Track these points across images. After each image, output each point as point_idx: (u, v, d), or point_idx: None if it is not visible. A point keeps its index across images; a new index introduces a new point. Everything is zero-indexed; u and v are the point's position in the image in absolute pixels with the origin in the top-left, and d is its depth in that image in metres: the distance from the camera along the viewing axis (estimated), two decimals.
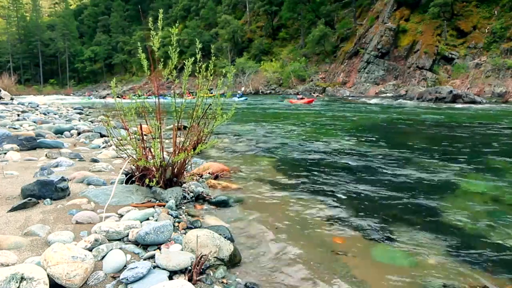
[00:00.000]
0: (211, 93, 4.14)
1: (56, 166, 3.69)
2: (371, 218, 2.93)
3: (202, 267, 1.81)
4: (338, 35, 39.23)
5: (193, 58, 2.86)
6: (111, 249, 1.85)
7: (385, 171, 4.53)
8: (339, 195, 3.52)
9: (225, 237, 2.18)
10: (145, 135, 3.17)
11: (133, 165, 3.07)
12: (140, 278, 1.62)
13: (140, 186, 2.97)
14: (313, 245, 2.43)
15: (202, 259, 1.80)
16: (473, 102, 18.63)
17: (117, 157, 4.37)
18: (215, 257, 1.94)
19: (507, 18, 27.01)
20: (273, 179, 4.15)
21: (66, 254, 1.60)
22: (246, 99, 26.76)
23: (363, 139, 7.30)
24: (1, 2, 72.62)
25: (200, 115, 3.18)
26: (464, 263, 2.23)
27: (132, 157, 3.04)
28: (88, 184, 3.09)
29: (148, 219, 2.37)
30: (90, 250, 1.83)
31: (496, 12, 28.47)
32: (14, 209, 2.38)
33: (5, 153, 4.26)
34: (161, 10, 2.81)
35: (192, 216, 2.74)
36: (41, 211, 2.40)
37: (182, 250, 1.98)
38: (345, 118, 12.05)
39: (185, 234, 2.22)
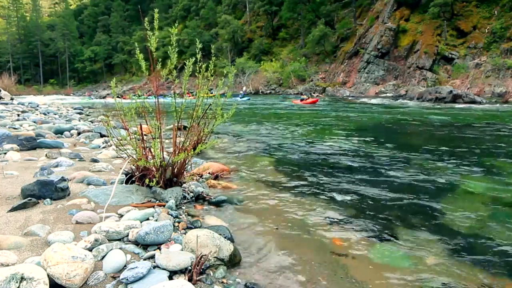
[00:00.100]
0: (211, 93, 4.15)
1: (56, 166, 3.69)
2: (371, 219, 2.93)
3: (202, 267, 1.81)
4: (338, 35, 39.23)
5: (193, 58, 2.86)
6: (111, 249, 1.85)
7: (385, 171, 4.53)
8: (339, 196, 3.52)
9: (225, 237, 2.18)
10: (145, 135, 3.17)
11: (133, 165, 3.07)
12: (140, 278, 1.62)
13: (140, 186, 2.97)
14: (313, 245, 2.43)
15: (202, 259, 1.80)
16: (473, 102, 18.62)
17: (117, 157, 4.37)
18: (215, 257, 1.94)
19: (507, 18, 27.00)
20: (273, 179, 4.15)
21: (66, 254, 1.60)
22: (249, 99, 26.51)
23: (363, 140, 7.30)
24: (1, 2, 72.62)
25: (200, 115, 3.18)
26: (464, 263, 2.23)
27: (132, 157, 3.04)
28: (88, 184, 3.09)
29: (148, 219, 2.38)
30: (90, 250, 1.83)
31: (496, 12, 28.46)
32: (14, 209, 2.38)
33: (5, 153, 4.26)
34: (156, 10, 2.80)
35: (192, 216, 2.74)
36: (41, 211, 2.40)
37: (182, 250, 1.98)
38: (345, 118, 12.05)
39: (185, 234, 2.22)
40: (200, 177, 3.87)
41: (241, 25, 50.65)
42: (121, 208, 2.54)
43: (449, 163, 4.97)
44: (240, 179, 4.08)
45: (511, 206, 3.25)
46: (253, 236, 2.52)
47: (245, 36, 50.12)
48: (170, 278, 1.72)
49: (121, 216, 2.41)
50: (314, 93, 27.50)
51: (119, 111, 3.11)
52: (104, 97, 33.62)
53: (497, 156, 5.51)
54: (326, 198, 3.45)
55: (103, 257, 1.80)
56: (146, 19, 2.83)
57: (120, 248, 1.90)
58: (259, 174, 4.38)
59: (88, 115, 12.66)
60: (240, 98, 26.28)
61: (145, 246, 2.01)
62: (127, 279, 1.60)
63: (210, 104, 3.19)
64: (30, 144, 4.80)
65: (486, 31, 27.96)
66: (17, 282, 1.43)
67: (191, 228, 2.38)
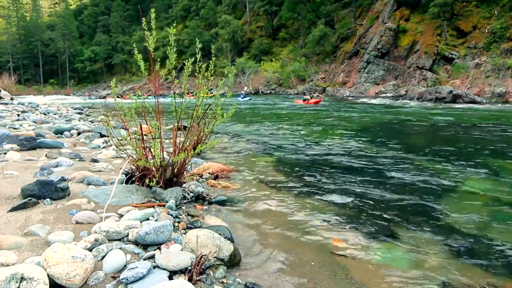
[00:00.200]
0: (211, 93, 4.15)
1: (56, 166, 3.69)
2: (371, 219, 2.93)
3: (202, 267, 1.81)
4: (338, 35, 39.22)
5: (193, 58, 2.86)
6: (111, 249, 1.85)
7: (385, 171, 4.53)
8: (339, 196, 3.52)
9: (225, 237, 2.18)
10: (145, 135, 3.17)
11: (133, 165, 3.07)
12: (140, 278, 1.62)
13: (140, 186, 2.97)
14: (313, 245, 2.43)
15: (202, 259, 1.80)
16: (473, 102, 18.61)
17: (117, 157, 4.37)
18: (215, 257, 1.94)
19: (507, 18, 26.99)
20: (273, 179, 4.15)
21: (66, 254, 1.60)
22: (250, 99, 26.27)
23: (363, 140, 7.30)
24: (1, 2, 72.62)
25: (200, 115, 3.18)
26: (465, 264, 2.24)
27: (132, 157, 3.04)
28: (88, 184, 3.09)
29: (148, 219, 2.37)
30: (90, 250, 1.83)
31: (496, 12, 28.45)
32: (14, 209, 2.38)
33: (5, 153, 4.26)
34: (153, 10, 2.80)
35: (192, 216, 2.73)
36: (41, 211, 2.40)
37: (182, 250, 1.98)
38: (346, 118, 12.05)
39: (185, 234, 2.22)
40: (200, 177, 3.87)
41: (241, 25, 50.65)
42: (121, 208, 2.54)
43: (449, 163, 4.97)
44: (240, 179, 4.08)
45: (511, 206, 3.25)
46: (253, 236, 2.52)
47: (245, 36, 50.12)
48: (170, 278, 1.72)
49: (121, 216, 2.41)
50: (314, 93, 27.40)
51: (119, 111, 3.11)
52: (104, 97, 33.64)
53: (497, 156, 5.51)
54: (326, 198, 3.45)
55: (103, 257, 1.80)
56: (144, 19, 2.83)
57: (120, 248, 1.90)
58: (259, 174, 4.38)
59: (88, 115, 12.67)
60: (242, 98, 26.01)
61: (145, 246, 2.01)
62: (127, 279, 1.60)
63: (210, 104, 3.19)
64: (30, 144, 4.80)
65: (486, 31, 27.95)
66: (17, 282, 1.43)
67: (191, 228, 2.38)
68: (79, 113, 12.76)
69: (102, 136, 6.26)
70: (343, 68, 35.22)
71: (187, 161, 3.14)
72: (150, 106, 3.12)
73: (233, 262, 2.02)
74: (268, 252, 2.29)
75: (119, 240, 2.05)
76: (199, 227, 2.47)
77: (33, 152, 4.58)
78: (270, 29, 48.87)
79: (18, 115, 9.53)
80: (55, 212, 2.40)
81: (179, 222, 2.46)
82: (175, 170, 3.02)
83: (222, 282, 1.82)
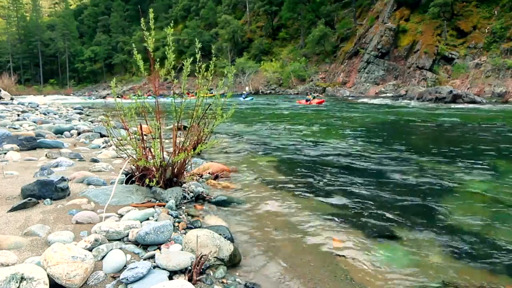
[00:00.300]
0: (211, 93, 4.15)
1: (56, 166, 3.69)
2: (372, 219, 2.93)
3: (202, 267, 1.81)
4: (338, 35, 39.21)
5: (191, 59, 2.86)
6: (111, 249, 1.85)
7: (386, 172, 4.53)
8: (339, 196, 3.52)
9: (225, 237, 2.18)
10: (145, 135, 3.17)
11: (133, 165, 3.07)
12: (140, 278, 1.62)
13: (140, 186, 2.97)
14: (313, 245, 2.43)
15: (202, 259, 1.80)
16: (473, 102, 18.61)
17: (117, 157, 4.37)
18: (215, 257, 1.94)
19: (507, 18, 26.99)
20: (273, 179, 4.15)
21: (66, 254, 1.60)
22: (252, 99, 25.93)
23: (363, 140, 7.30)
24: (1, 2, 72.61)
25: (200, 115, 3.18)
26: (465, 263, 2.24)
27: (132, 157, 3.04)
28: (88, 184, 3.09)
29: (148, 219, 2.38)
30: (90, 250, 1.83)
31: (496, 12, 28.44)
32: (14, 209, 2.38)
33: (5, 153, 4.26)
34: (151, 10, 2.80)
35: (192, 216, 2.74)
36: (41, 211, 2.40)
37: (182, 250, 1.98)
38: (347, 119, 12.05)
39: (185, 234, 2.22)
40: (200, 177, 3.87)
41: (241, 25, 50.63)
42: (121, 208, 2.54)
43: (449, 163, 4.97)
44: (240, 179, 4.08)
45: (511, 205, 3.25)
46: (253, 236, 2.52)
47: (245, 36, 50.11)
48: (170, 278, 1.72)
49: (121, 216, 2.41)
50: (314, 93, 27.35)
51: (119, 111, 3.12)
52: (104, 97, 33.64)
53: (497, 156, 5.51)
54: (326, 198, 3.45)
55: (103, 257, 1.80)
56: (142, 19, 2.83)
57: (120, 248, 1.90)
58: (259, 174, 4.38)
59: (88, 115, 12.67)
60: (243, 98, 25.64)
61: (145, 246, 2.01)
62: (127, 279, 1.60)
63: (210, 104, 3.19)
64: (30, 144, 4.80)
65: (486, 31, 27.95)
66: (17, 282, 1.43)
67: (191, 228, 2.38)
68: (79, 113, 12.76)
69: (102, 136, 6.26)
70: (343, 68, 35.22)
71: (187, 161, 3.14)
72: (150, 106, 3.12)
73: (233, 262, 2.02)
74: (268, 252, 2.29)
75: (119, 240, 2.05)
76: (199, 227, 2.47)
77: (33, 152, 4.58)
78: (270, 29, 48.86)
79: (18, 115, 9.53)
80: (55, 212, 2.40)
81: (179, 222, 2.46)
82: (175, 170, 3.02)
83: (222, 282, 1.82)
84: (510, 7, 27.57)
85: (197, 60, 2.92)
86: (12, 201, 2.55)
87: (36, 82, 67.75)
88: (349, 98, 27.40)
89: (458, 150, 6.04)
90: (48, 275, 1.52)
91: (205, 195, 3.22)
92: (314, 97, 20.94)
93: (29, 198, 2.49)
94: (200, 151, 3.18)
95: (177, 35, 50.18)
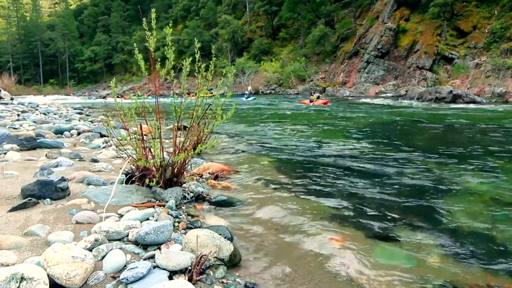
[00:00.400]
0: (211, 93, 4.15)
1: (56, 166, 3.69)
2: (372, 219, 2.93)
3: (202, 267, 1.82)
4: (338, 35, 39.20)
5: (191, 59, 2.86)
6: (111, 249, 1.85)
7: (385, 171, 4.53)
8: (340, 196, 3.52)
9: (225, 237, 2.18)
10: (145, 135, 3.17)
11: (133, 165, 3.07)
12: (140, 278, 1.62)
13: (140, 186, 2.97)
14: (313, 245, 2.43)
15: (202, 259, 1.80)
16: (473, 102, 18.61)
17: (117, 157, 4.37)
18: (215, 257, 1.94)
19: (507, 18, 26.98)
20: (273, 179, 4.15)
21: (66, 254, 1.60)
22: (254, 99, 25.47)
23: (363, 140, 7.30)
24: (1, 2, 72.61)
25: (200, 115, 3.18)
26: (464, 263, 2.24)
27: (132, 157, 3.04)
28: (88, 184, 3.09)
29: (148, 219, 2.38)
30: (90, 250, 1.83)
31: (496, 12, 28.43)
32: (14, 209, 2.38)
33: (5, 153, 4.26)
34: (153, 10, 2.80)
35: (192, 216, 2.74)
36: (41, 211, 2.40)
37: (182, 250, 1.98)
38: (347, 119, 12.04)
39: (185, 234, 2.22)
40: (200, 177, 3.87)
41: (241, 25, 50.61)
42: (121, 208, 2.54)
43: (449, 162, 4.97)
44: (240, 179, 4.08)
45: (511, 205, 3.25)
46: (253, 236, 2.52)
47: (245, 36, 50.09)
48: (170, 278, 1.72)
49: (121, 216, 2.41)
50: (314, 93, 27.29)
51: (119, 111, 3.12)
52: (104, 97, 33.65)
53: (497, 156, 5.51)
54: (326, 198, 3.45)
55: (103, 257, 1.80)
56: (144, 19, 2.83)
57: (120, 248, 1.90)
58: (259, 174, 4.38)
59: (88, 115, 12.67)
60: (245, 98, 25.17)
61: (145, 246, 2.01)
62: (127, 279, 1.60)
63: (210, 104, 3.19)
64: (30, 144, 4.80)
65: (486, 31, 27.94)
66: (17, 282, 1.43)
67: (191, 228, 2.38)
68: (79, 113, 12.76)
69: (102, 136, 6.26)
70: (343, 68, 35.21)
71: (187, 161, 3.14)
72: (150, 106, 3.12)
73: (233, 262, 2.02)
74: (268, 252, 2.29)
75: (119, 240, 2.05)
76: (199, 227, 2.47)
77: (33, 152, 4.58)
78: (270, 29, 48.84)
79: (18, 115, 9.53)
80: (55, 212, 2.40)
81: (179, 222, 2.47)
82: (175, 170, 3.02)
83: (222, 282, 1.82)
84: (510, 7, 27.56)
85: (197, 60, 2.92)
86: (12, 201, 2.55)
87: (36, 82, 67.73)
88: (349, 98, 27.39)
89: (458, 150, 6.04)
90: (48, 275, 1.52)
91: (205, 195, 3.22)
92: (318, 97, 20.43)
93: (29, 198, 2.49)
94: (200, 151, 3.18)
95: (177, 35, 50.18)
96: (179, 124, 3.08)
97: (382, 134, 8.60)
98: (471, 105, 17.53)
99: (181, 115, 3.04)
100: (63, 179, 2.75)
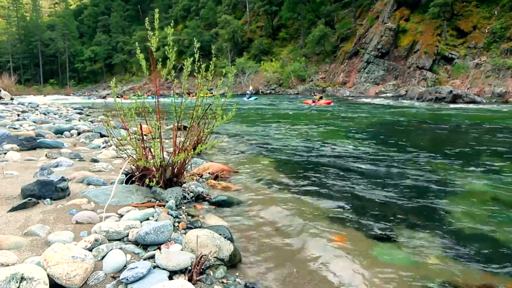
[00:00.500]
0: (211, 93, 4.15)
1: (56, 166, 3.69)
2: (372, 218, 2.93)
3: (202, 267, 1.81)
4: (338, 35, 39.20)
5: (192, 59, 2.86)
6: (111, 249, 1.85)
7: (385, 171, 4.53)
8: (339, 195, 3.52)
9: (225, 237, 2.18)
10: (145, 135, 3.17)
11: (133, 165, 3.07)
12: (140, 278, 1.62)
13: (140, 186, 2.97)
14: (313, 245, 2.43)
15: (202, 259, 1.80)
16: (473, 102, 18.61)
17: (117, 157, 4.37)
18: (215, 257, 1.94)
19: (507, 18, 26.98)
20: (273, 179, 4.15)
21: (66, 254, 1.60)
22: (256, 99, 25.09)
23: (363, 140, 7.30)
24: (1, 2, 72.60)
25: (200, 115, 3.18)
26: (464, 263, 2.23)
27: (132, 157, 3.04)
28: (88, 184, 3.09)
29: (148, 219, 2.38)
30: (90, 250, 1.83)
31: (496, 12, 28.43)
32: (14, 209, 2.38)
33: (5, 153, 4.26)
34: (157, 10, 2.81)
35: (192, 216, 2.74)
36: (41, 211, 2.40)
37: (182, 250, 1.98)
38: (350, 119, 12.04)
39: (185, 234, 2.22)
40: (200, 177, 3.87)
41: (241, 25, 50.60)
42: (121, 208, 2.54)
43: (449, 162, 4.97)
44: (240, 180, 4.08)
45: (511, 206, 3.25)
46: (253, 236, 2.52)
47: (245, 36, 50.09)
48: (170, 278, 1.72)
49: (121, 216, 2.41)
50: (314, 93, 27.25)
51: (119, 111, 3.12)
52: (104, 97, 33.66)
53: (497, 156, 5.50)
54: (326, 198, 3.45)
55: (103, 257, 1.80)
56: (147, 19, 2.83)
57: (120, 248, 1.90)
58: (259, 174, 4.38)
59: (88, 115, 12.67)
60: (247, 98, 24.79)
61: (145, 246, 2.01)
62: (127, 279, 1.60)
63: (210, 104, 3.19)
64: (30, 144, 4.80)
65: (486, 31, 27.94)
66: (17, 282, 1.43)
67: (191, 228, 2.38)
68: (79, 113, 12.76)
69: (102, 136, 6.26)
70: (343, 68, 35.22)
71: (187, 161, 3.14)
72: (150, 106, 3.12)
73: (233, 262, 2.02)
74: (268, 252, 2.29)
75: (119, 240, 2.05)
76: (199, 227, 2.47)
77: (33, 152, 4.58)
78: (270, 29, 48.84)
79: (18, 115, 9.53)
80: (55, 212, 2.40)
81: (179, 222, 2.46)
82: (175, 170, 3.02)
83: (222, 282, 1.82)
84: (510, 7, 27.55)
85: (196, 60, 2.92)
86: (12, 201, 2.55)
87: (36, 82, 67.73)
88: (349, 98, 27.39)
89: (458, 150, 6.04)
90: (48, 275, 1.52)
91: (205, 195, 3.22)
92: (321, 98, 20.17)
93: (29, 198, 2.49)
94: (200, 151, 3.18)
95: (177, 35, 50.14)
96: (179, 124, 3.08)
97: (383, 134, 8.60)
98: (471, 105, 17.53)
99: (181, 115, 3.04)
100: (63, 179, 2.75)
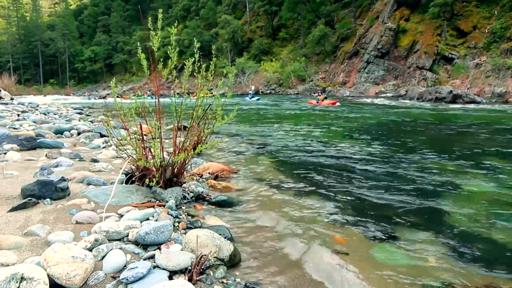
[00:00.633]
0: (211, 93, 4.15)
1: (56, 166, 3.69)
2: (372, 219, 2.93)
3: (202, 267, 1.81)
4: (338, 35, 39.20)
5: (193, 59, 2.86)
6: (111, 249, 1.85)
7: (385, 172, 4.53)
8: (339, 196, 3.52)
9: (225, 237, 2.18)
10: (145, 135, 3.17)
11: (133, 165, 3.07)
12: (140, 278, 1.62)
13: (140, 186, 2.97)
14: (313, 245, 2.43)
15: (202, 259, 1.80)
16: (473, 102, 18.62)
17: (117, 157, 4.37)
18: (215, 257, 1.94)
19: (507, 18, 26.98)
20: (273, 179, 4.15)
21: (66, 254, 1.60)
22: (259, 99, 24.16)
23: (363, 140, 7.30)
24: (1, 2, 72.60)
25: (200, 115, 3.18)
26: (464, 263, 2.23)
27: (132, 157, 3.04)
28: (88, 184, 3.09)
29: (148, 219, 2.37)
30: (90, 250, 1.83)
31: (496, 12, 28.44)
32: (14, 209, 2.38)
33: (5, 153, 4.26)
34: (160, 10, 2.81)
35: (192, 216, 2.73)
36: (41, 211, 2.40)
37: (182, 250, 1.98)
38: (351, 119, 12.04)
39: (185, 234, 2.22)
40: (200, 177, 3.87)
41: (241, 25, 50.61)
42: (121, 208, 2.54)
43: (449, 163, 4.97)
44: (240, 179, 4.08)
45: (511, 205, 3.25)
46: (253, 236, 2.52)
47: (245, 36, 50.09)
48: (170, 278, 1.72)
49: (121, 216, 2.41)
50: (314, 93, 27.24)
51: (119, 111, 3.11)
52: (104, 97, 33.67)
53: (497, 156, 5.50)
54: (327, 198, 3.45)
55: (103, 257, 1.80)
56: (149, 18, 2.83)
57: (120, 248, 1.90)
58: (259, 174, 4.38)
59: (88, 115, 12.67)
60: (250, 98, 23.96)
61: (145, 246, 2.01)
62: (127, 279, 1.60)
63: (210, 104, 3.19)
64: (30, 144, 4.80)
65: (486, 31, 27.94)
66: (17, 282, 1.43)
67: (191, 228, 2.38)
68: (79, 113, 12.76)
69: (102, 136, 6.26)
70: (343, 68, 35.22)
71: (187, 161, 3.14)
72: (150, 106, 3.12)
73: (233, 262, 2.02)
74: (268, 252, 2.29)
75: (119, 240, 2.05)
76: (199, 227, 2.47)
77: (33, 152, 4.58)
78: (270, 29, 48.84)
79: (18, 115, 9.53)
80: (55, 212, 2.40)
81: (179, 222, 2.46)
82: (175, 170, 3.02)
83: (222, 282, 1.82)
84: (510, 7, 27.56)
85: (196, 60, 2.92)
86: (12, 201, 2.55)
87: (36, 82, 67.74)
88: (349, 98, 27.38)
89: (458, 150, 6.04)
90: (48, 275, 1.52)
91: (205, 195, 3.22)
92: (325, 98, 19.84)
93: (29, 198, 2.49)
94: (200, 151, 3.18)
95: (177, 35, 50.04)
96: (179, 124, 3.08)
97: (383, 134, 8.59)
98: (471, 105, 17.53)
99: (181, 115, 3.04)
100: (63, 179, 2.75)
